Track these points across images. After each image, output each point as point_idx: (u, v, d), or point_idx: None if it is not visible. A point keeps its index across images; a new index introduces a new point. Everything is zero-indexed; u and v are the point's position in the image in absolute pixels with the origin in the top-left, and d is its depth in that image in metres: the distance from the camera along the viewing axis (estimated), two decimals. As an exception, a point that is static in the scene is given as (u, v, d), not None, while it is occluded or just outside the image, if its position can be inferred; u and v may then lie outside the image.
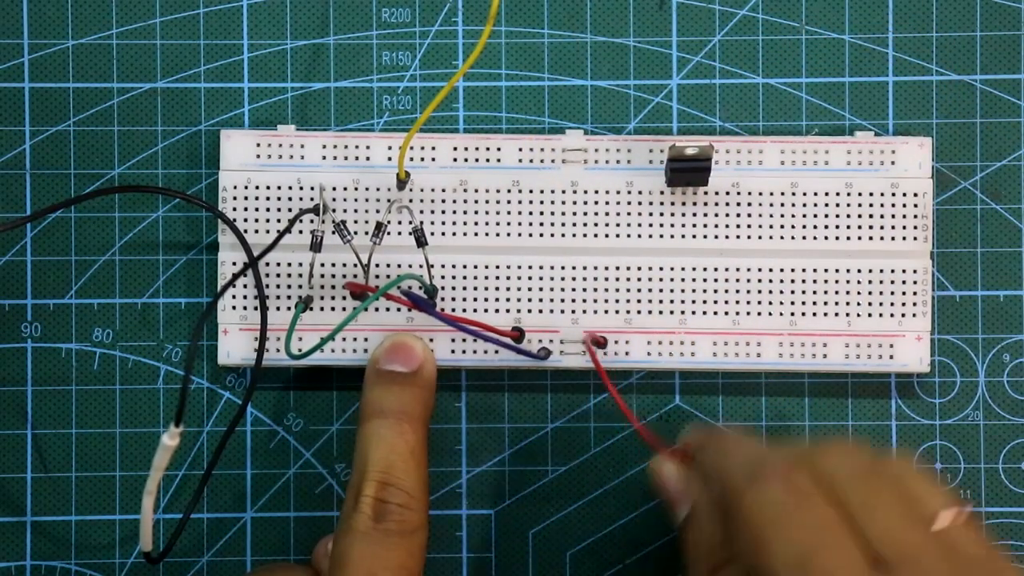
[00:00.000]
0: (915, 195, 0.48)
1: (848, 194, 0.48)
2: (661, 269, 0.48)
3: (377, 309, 0.48)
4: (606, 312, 0.48)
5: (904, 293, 0.48)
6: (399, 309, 0.48)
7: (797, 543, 0.37)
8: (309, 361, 0.47)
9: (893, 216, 0.48)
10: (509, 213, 0.48)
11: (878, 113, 0.50)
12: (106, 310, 0.49)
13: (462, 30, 0.50)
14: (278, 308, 0.48)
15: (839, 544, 0.37)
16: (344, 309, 0.48)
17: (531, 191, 0.48)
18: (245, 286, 0.48)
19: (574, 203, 0.48)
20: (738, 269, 0.48)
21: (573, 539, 0.50)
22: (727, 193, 0.48)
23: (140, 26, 0.50)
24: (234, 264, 0.48)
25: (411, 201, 0.48)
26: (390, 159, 0.48)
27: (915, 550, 0.37)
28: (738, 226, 0.48)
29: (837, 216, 0.48)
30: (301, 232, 0.47)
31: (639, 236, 0.48)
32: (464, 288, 0.48)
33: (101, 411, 0.49)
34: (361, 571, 0.42)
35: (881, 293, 0.48)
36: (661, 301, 0.48)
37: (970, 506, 0.40)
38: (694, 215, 0.48)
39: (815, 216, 0.48)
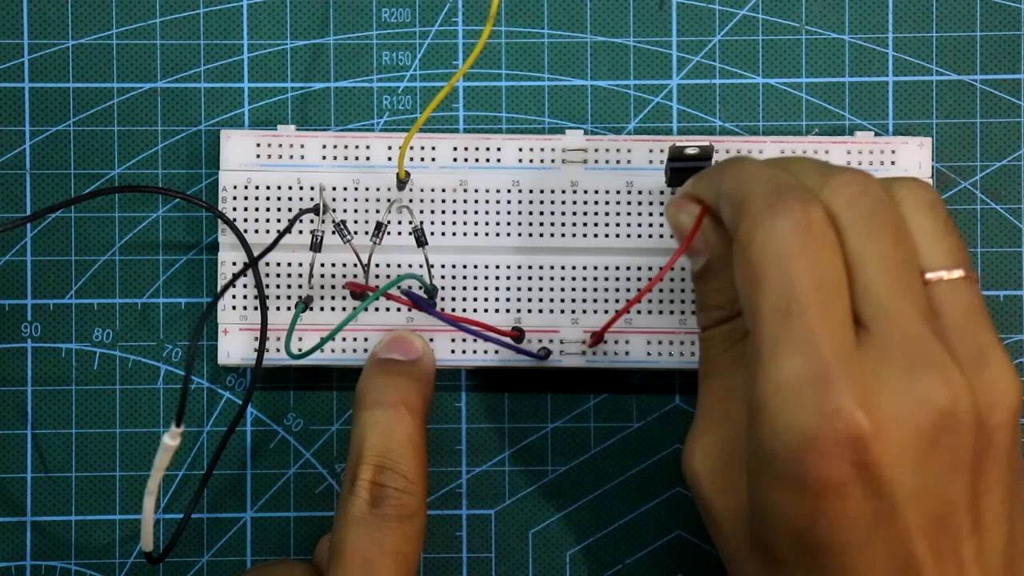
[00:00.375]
0: (915, 195, 0.48)
1: (848, 194, 0.48)
2: (660, 269, 0.48)
3: (377, 309, 0.48)
4: (606, 312, 0.48)
5: (904, 293, 0.48)
6: (399, 309, 0.48)
7: (791, 291, 0.36)
8: (309, 361, 0.47)
9: (893, 216, 0.48)
10: (509, 213, 0.48)
11: (878, 113, 0.50)
12: (106, 310, 0.49)
13: (462, 30, 0.50)
14: (278, 308, 0.48)
15: (836, 300, 0.36)
16: (344, 309, 0.48)
17: (531, 191, 0.48)
18: (245, 286, 0.48)
19: (574, 203, 0.48)
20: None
21: (573, 539, 0.50)
22: (727, 193, 0.48)
23: (140, 26, 0.50)
24: (234, 264, 0.48)
25: (411, 201, 0.48)
26: (390, 159, 0.48)
27: (890, 310, 0.36)
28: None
29: (837, 216, 0.48)
30: (301, 232, 0.47)
31: (639, 236, 0.48)
32: (464, 288, 0.48)
33: (101, 411, 0.49)
34: (357, 557, 0.42)
35: (881, 293, 0.48)
36: (661, 301, 0.48)
37: (975, 274, 0.38)
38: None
39: (815, 216, 0.48)
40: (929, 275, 0.38)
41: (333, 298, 0.48)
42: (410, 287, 0.46)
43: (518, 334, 0.47)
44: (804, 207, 0.37)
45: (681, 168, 0.46)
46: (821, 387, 0.35)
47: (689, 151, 0.45)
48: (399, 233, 0.48)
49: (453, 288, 0.48)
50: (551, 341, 0.48)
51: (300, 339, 0.47)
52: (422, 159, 0.48)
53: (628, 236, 0.48)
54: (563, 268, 0.48)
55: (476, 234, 0.48)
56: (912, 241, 0.38)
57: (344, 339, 0.48)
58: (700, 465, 0.41)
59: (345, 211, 0.48)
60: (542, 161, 0.48)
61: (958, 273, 0.38)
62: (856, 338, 0.36)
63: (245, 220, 0.48)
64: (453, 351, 0.48)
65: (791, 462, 0.35)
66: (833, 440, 0.34)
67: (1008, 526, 0.37)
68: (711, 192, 0.41)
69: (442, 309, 0.48)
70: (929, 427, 0.35)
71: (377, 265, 0.48)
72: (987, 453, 0.36)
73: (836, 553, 0.36)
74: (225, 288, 0.46)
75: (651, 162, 0.48)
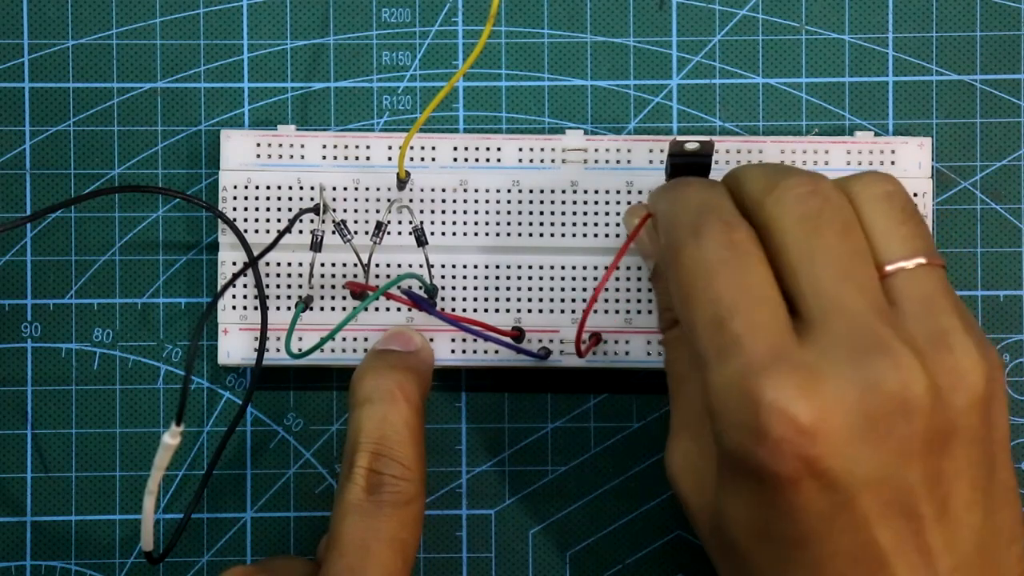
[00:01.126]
0: (915, 195, 0.48)
1: (848, 194, 0.48)
2: (607, 268, 0.48)
3: (377, 309, 0.48)
4: (606, 312, 0.48)
5: (904, 293, 0.48)
6: (399, 309, 0.48)
7: (717, 302, 0.37)
8: (309, 361, 0.47)
9: (893, 216, 0.48)
10: (509, 213, 0.48)
11: (878, 113, 0.50)
12: (106, 310, 0.49)
13: (462, 30, 0.50)
14: (278, 308, 0.48)
15: (760, 306, 0.37)
16: (344, 309, 0.48)
17: (531, 191, 0.48)
18: (245, 286, 0.48)
19: (574, 203, 0.48)
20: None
21: (573, 539, 0.50)
22: (727, 193, 0.48)
23: (140, 26, 0.50)
24: (234, 264, 0.48)
25: (411, 201, 0.48)
26: (390, 159, 0.48)
27: (834, 302, 0.37)
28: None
29: (837, 216, 0.48)
30: (301, 232, 0.47)
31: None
32: (464, 288, 0.48)
33: (101, 411, 0.49)
34: (354, 543, 0.42)
35: (881, 293, 0.48)
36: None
37: (938, 259, 0.39)
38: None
39: (815, 216, 0.48)
40: (888, 267, 0.38)
41: (333, 298, 0.48)
42: (410, 287, 0.46)
43: (518, 334, 0.47)
44: (726, 228, 0.38)
45: (681, 164, 0.46)
46: (757, 384, 0.35)
47: (689, 147, 0.45)
48: (399, 233, 0.48)
49: (453, 288, 0.48)
50: (551, 341, 0.48)
51: (300, 339, 0.47)
52: (422, 159, 0.48)
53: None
54: (563, 268, 0.48)
55: (476, 234, 0.48)
56: (862, 235, 0.38)
57: (344, 339, 0.48)
58: (677, 466, 0.41)
59: (345, 211, 0.48)
60: (542, 161, 0.48)
61: (916, 261, 0.38)
62: (798, 336, 0.36)
63: (245, 220, 0.48)
64: (453, 351, 0.48)
65: (743, 459, 0.36)
66: (778, 435, 0.35)
67: (982, 514, 0.37)
68: (653, 207, 0.42)
69: (442, 309, 0.48)
70: (878, 413, 0.35)
71: (377, 265, 0.48)
72: (952, 438, 0.36)
73: (798, 546, 0.36)
74: (225, 288, 0.46)
75: (651, 162, 0.48)
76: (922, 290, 0.38)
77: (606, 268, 0.48)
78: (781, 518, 0.36)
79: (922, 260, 0.38)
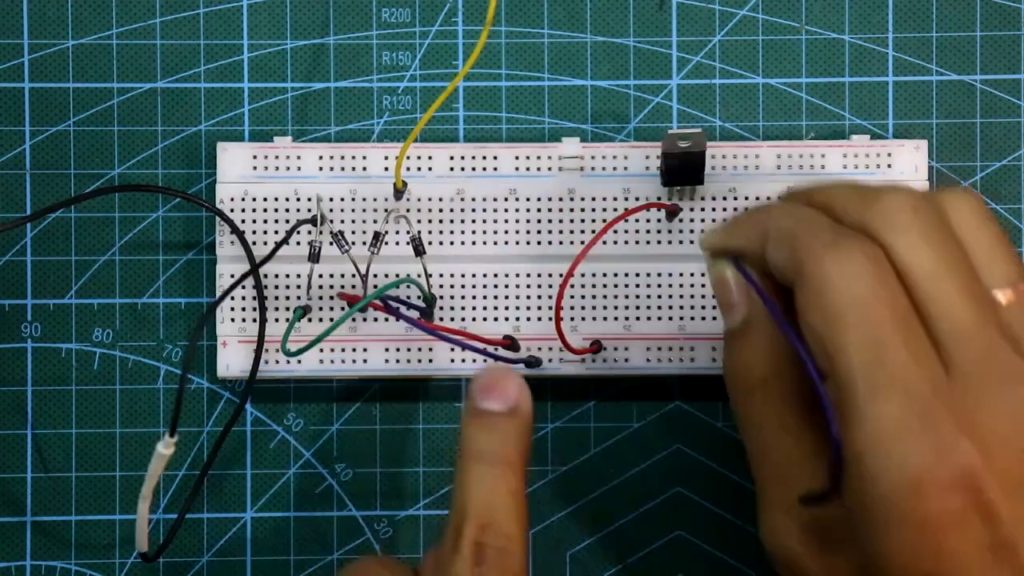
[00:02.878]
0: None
1: (846, 198, 0.48)
2: (659, 275, 0.48)
3: (376, 319, 0.48)
4: (604, 319, 0.48)
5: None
6: (399, 320, 0.47)
7: (876, 332, 0.35)
8: (309, 372, 0.47)
9: (891, 219, 0.48)
10: (507, 221, 0.48)
11: (878, 113, 0.50)
12: (106, 310, 0.50)
13: (462, 30, 0.50)
14: (276, 320, 0.48)
15: (913, 339, 0.35)
16: (343, 320, 0.48)
17: (528, 199, 0.48)
18: (244, 297, 0.48)
19: (571, 211, 0.48)
20: (736, 274, 0.48)
21: (573, 539, 0.50)
22: (724, 199, 0.48)
23: (140, 26, 0.50)
24: (232, 276, 0.48)
25: (408, 211, 0.48)
26: (387, 169, 0.48)
27: (968, 329, 0.36)
28: (736, 231, 0.48)
29: (836, 220, 0.48)
30: (299, 243, 0.47)
31: (636, 243, 0.48)
32: (463, 297, 0.48)
33: (101, 411, 0.49)
34: None
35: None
36: (660, 307, 0.48)
37: None
38: (691, 221, 0.48)
39: (813, 220, 0.48)
40: (994, 291, 0.37)
41: (332, 308, 0.48)
42: (407, 296, 0.46)
43: (510, 343, 0.47)
44: (864, 245, 0.36)
45: (676, 165, 0.46)
46: (926, 424, 0.34)
47: (682, 143, 0.45)
48: (397, 243, 0.48)
49: (451, 297, 0.48)
50: (550, 349, 0.48)
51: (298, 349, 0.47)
52: (419, 168, 0.48)
53: (626, 243, 0.48)
54: (561, 276, 0.48)
55: (474, 243, 0.48)
56: (971, 255, 0.37)
57: (344, 350, 0.48)
58: (794, 542, 0.39)
59: (343, 221, 0.48)
60: (539, 169, 0.48)
61: (1019, 288, 0.38)
62: (944, 364, 0.35)
63: (243, 232, 0.48)
64: (453, 360, 0.48)
65: (908, 503, 0.34)
66: (948, 475, 0.34)
67: None
68: (750, 237, 0.40)
69: (440, 319, 0.48)
70: None
71: (375, 275, 0.48)
72: None
73: None
74: (223, 297, 0.46)
75: (648, 168, 0.48)
76: None
77: (604, 275, 0.48)
78: (946, 561, 0.34)
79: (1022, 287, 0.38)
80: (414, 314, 0.47)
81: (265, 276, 0.48)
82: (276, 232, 0.48)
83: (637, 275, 0.48)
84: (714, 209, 0.48)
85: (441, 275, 0.48)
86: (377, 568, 0.42)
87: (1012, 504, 0.34)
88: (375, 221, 0.48)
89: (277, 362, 0.48)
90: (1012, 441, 0.34)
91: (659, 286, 0.48)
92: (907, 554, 0.35)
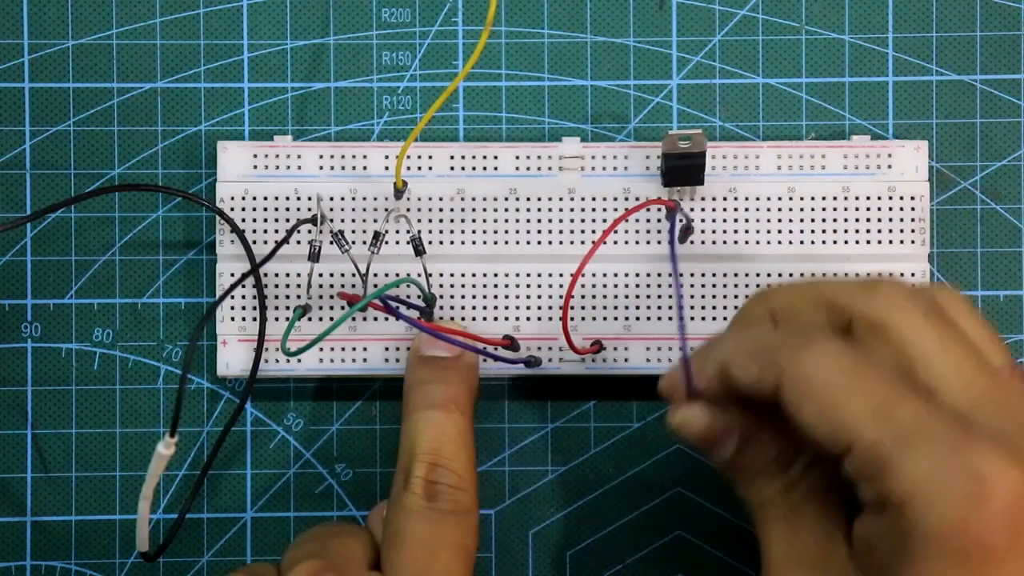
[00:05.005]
0: (912, 198, 0.48)
1: (845, 198, 0.48)
2: (660, 275, 0.48)
3: (376, 319, 0.48)
4: (604, 319, 0.48)
5: (903, 296, 0.48)
6: (399, 319, 0.47)
7: (871, 393, 0.35)
8: (309, 371, 0.47)
9: (890, 220, 0.48)
10: (507, 221, 0.48)
11: (878, 113, 0.50)
12: (106, 310, 0.50)
13: (462, 30, 0.50)
14: (276, 319, 0.48)
15: (914, 393, 0.36)
16: (343, 319, 0.48)
17: (528, 199, 0.48)
18: (244, 297, 0.48)
19: (571, 210, 0.48)
20: (736, 274, 0.48)
21: (573, 539, 0.50)
22: (724, 199, 0.48)
23: (140, 26, 0.50)
24: (232, 276, 0.48)
25: (408, 210, 0.48)
26: (387, 168, 0.48)
27: (986, 392, 0.36)
28: (736, 231, 0.48)
29: (835, 220, 0.48)
30: (299, 242, 0.47)
31: (637, 243, 0.48)
32: (463, 296, 0.48)
33: (101, 411, 0.49)
34: (420, 546, 0.42)
35: (880, 296, 0.48)
36: (660, 307, 0.48)
37: (1020, 371, 0.39)
38: (691, 221, 0.48)
39: (812, 220, 0.48)
40: None
41: (332, 308, 0.48)
42: (408, 296, 0.46)
43: (509, 342, 0.47)
44: (836, 339, 0.37)
45: (676, 165, 0.46)
46: (965, 455, 0.34)
47: (682, 144, 0.45)
48: (397, 242, 0.48)
49: (452, 297, 0.48)
50: (550, 348, 0.48)
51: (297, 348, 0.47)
52: (419, 168, 0.48)
53: (626, 243, 0.48)
54: (561, 276, 0.48)
55: (474, 242, 0.48)
56: (969, 335, 0.38)
57: (344, 349, 0.48)
58: None
59: (343, 221, 0.48)
60: (539, 169, 0.48)
61: (1017, 372, 0.39)
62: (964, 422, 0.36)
63: (243, 231, 0.48)
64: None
65: (955, 537, 0.34)
66: (1001, 503, 0.34)
67: None
68: (713, 362, 0.40)
69: (440, 319, 0.48)
70: None
71: (375, 275, 0.48)
72: None
73: None
74: (223, 297, 0.46)
75: (648, 168, 0.48)
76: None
77: (604, 275, 0.48)
78: None
79: (1018, 373, 0.39)
80: (414, 314, 0.47)
81: (265, 275, 0.48)
82: (276, 232, 0.48)
83: (637, 275, 0.48)
84: (714, 209, 0.48)
85: (441, 275, 0.48)
86: None
87: None
88: (375, 221, 0.48)
89: (277, 361, 0.48)
90: None
91: (659, 286, 0.48)
92: None
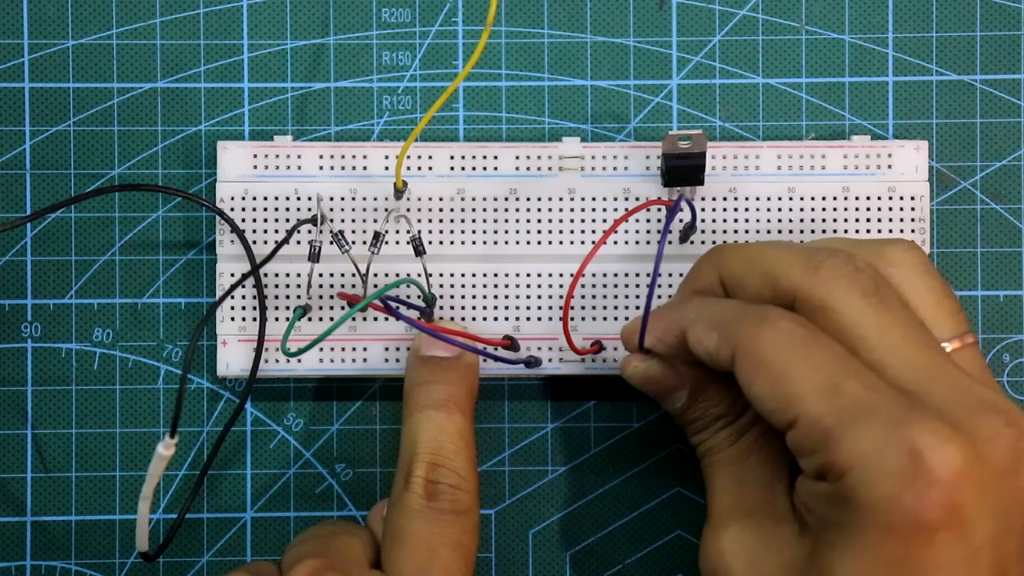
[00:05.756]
0: (912, 198, 0.48)
1: (845, 198, 0.48)
2: (660, 275, 0.48)
3: (376, 319, 0.48)
4: (604, 319, 0.48)
5: (903, 295, 0.48)
6: (399, 320, 0.47)
7: (823, 369, 0.36)
8: (309, 371, 0.47)
9: (891, 220, 0.48)
10: (507, 221, 0.48)
11: (878, 113, 0.50)
12: (106, 310, 0.50)
13: (462, 30, 0.50)
14: (276, 319, 0.48)
15: (862, 369, 0.36)
16: (343, 319, 0.48)
17: (528, 199, 0.48)
18: (244, 297, 0.48)
19: (571, 210, 0.48)
20: (736, 274, 0.48)
21: (573, 539, 0.50)
22: (724, 199, 0.48)
23: (140, 26, 0.50)
24: (232, 276, 0.48)
25: (409, 210, 0.48)
26: (387, 168, 0.48)
27: (931, 370, 0.37)
28: (736, 231, 0.48)
29: (835, 220, 0.48)
30: (299, 243, 0.47)
31: (637, 243, 0.48)
32: (463, 297, 0.48)
33: (101, 411, 0.49)
34: (420, 545, 0.43)
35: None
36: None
37: (973, 336, 0.40)
38: (696, 214, 0.48)
39: (812, 221, 0.48)
40: (942, 343, 0.39)
41: (332, 308, 0.48)
42: (407, 296, 0.46)
43: (510, 343, 0.47)
44: (788, 314, 0.38)
45: (677, 165, 0.46)
46: (906, 431, 0.35)
47: (682, 144, 0.45)
48: (397, 242, 0.48)
49: (452, 297, 0.48)
50: (550, 349, 0.48)
51: (298, 348, 0.47)
52: (419, 168, 0.48)
53: (626, 243, 0.48)
54: (561, 276, 0.48)
55: (474, 243, 0.48)
56: (916, 310, 0.39)
57: (343, 348, 0.48)
58: (733, 558, 0.40)
59: (343, 221, 0.48)
60: (539, 169, 0.48)
61: (968, 339, 0.40)
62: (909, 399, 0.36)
63: (243, 231, 0.48)
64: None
65: (890, 511, 0.34)
66: (935, 479, 0.34)
67: None
68: (673, 325, 0.42)
69: (440, 319, 0.48)
70: (1000, 468, 0.35)
71: (376, 275, 0.48)
72: None
73: None
74: (223, 297, 0.46)
75: (648, 168, 0.48)
76: (978, 364, 0.40)
77: (604, 275, 0.48)
78: (916, 570, 0.35)
79: (972, 338, 0.40)
80: (414, 314, 0.47)
81: (265, 276, 0.48)
82: (276, 232, 0.48)
83: (637, 275, 0.48)
84: (714, 209, 0.48)
85: (441, 275, 0.48)
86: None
87: (983, 520, 0.35)
88: (375, 221, 0.48)
89: (277, 361, 0.48)
90: (986, 461, 0.35)
91: (659, 286, 0.48)
92: (863, 569, 0.35)
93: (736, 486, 0.41)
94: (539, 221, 0.48)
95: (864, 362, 0.37)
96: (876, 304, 0.38)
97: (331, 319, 0.48)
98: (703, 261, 0.43)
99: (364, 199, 0.48)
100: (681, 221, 0.47)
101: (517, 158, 0.48)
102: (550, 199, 0.48)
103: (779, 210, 0.48)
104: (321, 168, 0.48)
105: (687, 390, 0.43)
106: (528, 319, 0.48)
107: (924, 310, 0.40)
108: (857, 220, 0.48)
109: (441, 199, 0.48)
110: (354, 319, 0.48)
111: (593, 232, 0.48)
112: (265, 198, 0.48)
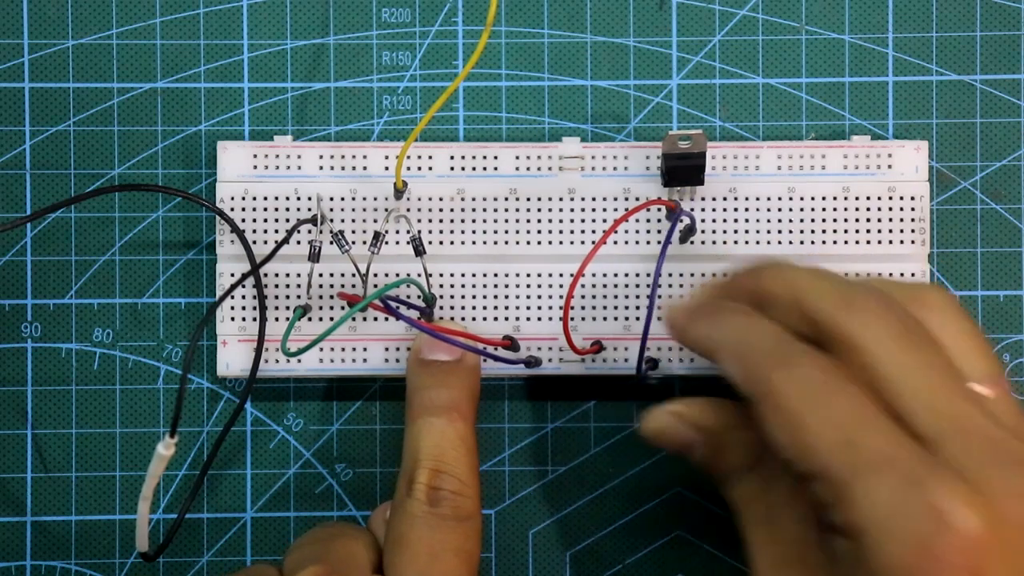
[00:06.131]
0: (912, 198, 0.48)
1: (845, 198, 0.48)
2: (660, 275, 0.48)
3: (376, 319, 0.48)
4: (604, 319, 0.48)
5: (903, 296, 0.48)
6: (399, 320, 0.47)
7: (842, 422, 0.35)
8: (309, 372, 0.47)
9: (891, 220, 0.48)
10: (507, 221, 0.48)
11: (878, 113, 0.50)
12: (106, 310, 0.50)
13: (462, 30, 0.50)
14: (276, 319, 0.48)
15: (885, 423, 0.35)
16: (343, 320, 0.48)
17: (528, 199, 0.48)
18: (244, 297, 0.48)
19: (572, 210, 0.48)
20: (737, 274, 0.48)
21: (573, 539, 0.50)
22: (724, 199, 0.48)
23: (140, 26, 0.50)
24: (232, 276, 0.48)
25: (408, 210, 0.48)
26: (387, 168, 0.48)
27: (960, 420, 0.35)
28: (736, 232, 0.48)
29: (835, 220, 0.48)
30: (299, 243, 0.47)
31: (637, 243, 0.48)
32: (463, 297, 0.48)
33: (101, 411, 0.49)
34: (423, 551, 0.43)
35: (880, 296, 0.48)
36: (660, 307, 0.48)
37: (1005, 382, 0.39)
38: (694, 220, 0.48)
39: (813, 221, 0.48)
40: (974, 386, 0.38)
41: (332, 308, 0.48)
42: (408, 296, 0.46)
43: (509, 343, 0.47)
44: (813, 354, 0.37)
45: (677, 165, 0.46)
46: (923, 491, 0.33)
47: (682, 144, 0.45)
48: (397, 243, 0.48)
49: (452, 297, 0.48)
50: (550, 349, 0.48)
51: (298, 348, 0.47)
52: (419, 168, 0.48)
53: (626, 243, 0.48)
54: (561, 276, 0.48)
55: (474, 243, 0.48)
56: (949, 349, 0.38)
57: (343, 349, 0.48)
58: None
59: (343, 221, 0.48)
60: (539, 169, 0.48)
61: (1002, 384, 0.39)
62: (930, 452, 0.35)
63: (243, 231, 0.48)
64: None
65: (908, 574, 0.33)
66: (949, 544, 0.33)
67: None
68: (707, 340, 0.41)
69: (440, 319, 0.48)
70: None
71: (376, 275, 0.48)
72: None
73: None
74: (223, 297, 0.46)
75: (648, 168, 0.48)
76: (1013, 411, 0.38)
77: (604, 275, 0.48)
78: None
79: (1006, 384, 0.39)
80: (414, 314, 0.47)
81: (265, 276, 0.48)
82: (276, 232, 0.48)
83: (637, 275, 0.48)
84: (714, 209, 0.48)
85: (441, 275, 0.48)
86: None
87: None
88: (375, 221, 0.48)
89: (277, 361, 0.48)
90: (1011, 521, 0.34)
91: (659, 287, 0.48)
92: None
93: (771, 546, 0.40)
94: (539, 221, 0.48)
95: (887, 407, 0.36)
96: (906, 346, 0.37)
97: (331, 319, 0.48)
98: (747, 270, 0.42)
99: (364, 199, 0.48)
100: (681, 222, 0.47)
101: (517, 158, 0.48)
102: (550, 199, 0.48)
103: (779, 210, 0.48)
104: (321, 168, 0.48)
105: (701, 443, 0.43)
106: (528, 319, 0.48)
107: (957, 352, 0.38)
108: (857, 220, 0.48)
109: (441, 199, 0.48)
110: (354, 319, 0.48)
111: (593, 232, 0.48)
112: (265, 198, 0.48)
